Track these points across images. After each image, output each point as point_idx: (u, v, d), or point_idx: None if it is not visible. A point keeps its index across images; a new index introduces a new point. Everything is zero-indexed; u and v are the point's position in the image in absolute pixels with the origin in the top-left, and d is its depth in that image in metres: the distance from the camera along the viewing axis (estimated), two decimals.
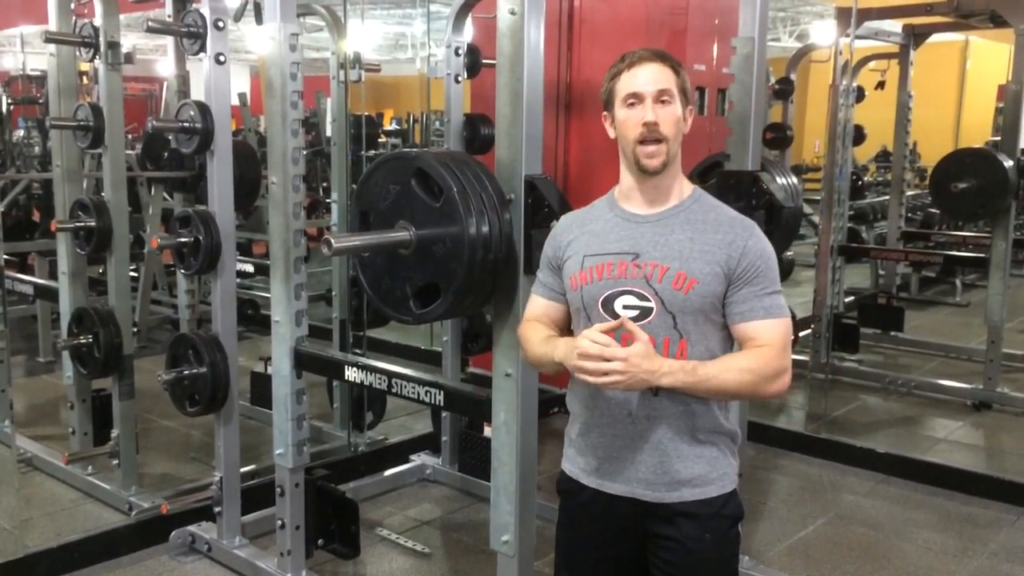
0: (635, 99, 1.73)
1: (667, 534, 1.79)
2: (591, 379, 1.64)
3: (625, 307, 1.74)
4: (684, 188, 1.81)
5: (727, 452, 1.82)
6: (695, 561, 1.79)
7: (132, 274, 5.46)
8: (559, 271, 1.86)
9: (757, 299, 1.72)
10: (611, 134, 1.80)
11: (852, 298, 6.62)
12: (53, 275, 4.26)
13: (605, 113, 1.80)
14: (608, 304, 1.75)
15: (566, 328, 1.90)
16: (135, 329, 5.13)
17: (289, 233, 2.79)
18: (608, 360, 1.61)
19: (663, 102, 1.72)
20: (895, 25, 5.81)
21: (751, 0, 2.90)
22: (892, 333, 6.14)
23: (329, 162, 4.47)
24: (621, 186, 1.83)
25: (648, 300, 1.72)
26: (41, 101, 7.85)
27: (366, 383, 2.72)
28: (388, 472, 4.04)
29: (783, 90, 6.11)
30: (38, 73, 8.11)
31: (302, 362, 2.84)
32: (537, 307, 1.92)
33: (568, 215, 1.93)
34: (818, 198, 5.91)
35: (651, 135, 1.71)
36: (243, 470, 3.31)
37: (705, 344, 1.74)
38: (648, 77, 1.72)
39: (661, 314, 1.72)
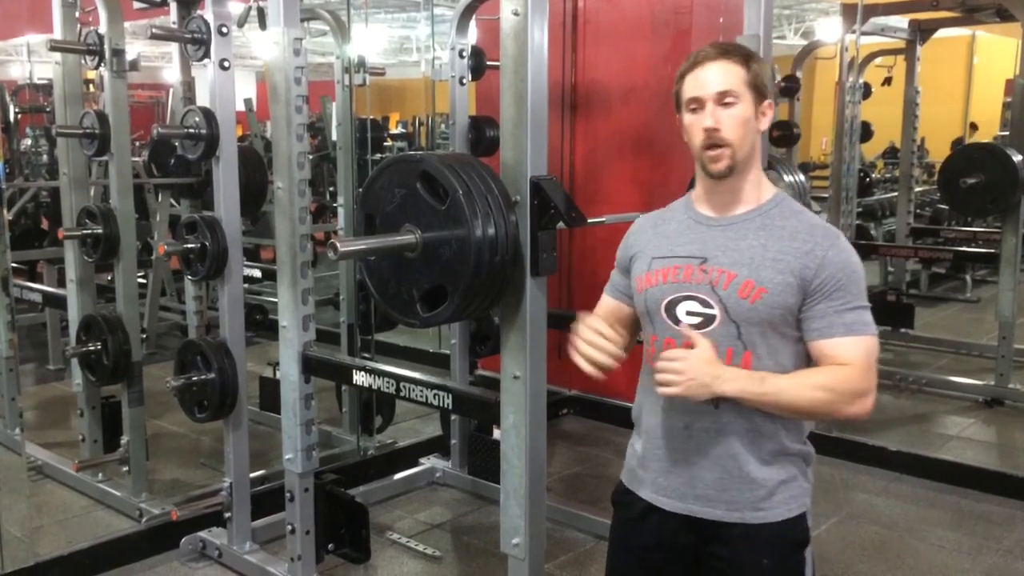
0: (696, 104, 1.64)
1: (722, 555, 1.70)
2: (586, 368, 1.62)
3: (688, 313, 1.66)
4: (764, 191, 1.71)
5: (798, 474, 1.70)
6: None
7: (140, 281, 5.50)
8: (628, 272, 1.80)
9: (837, 315, 1.60)
10: (684, 137, 1.71)
11: None
12: (61, 283, 4.27)
13: (677, 116, 1.71)
14: (671, 309, 1.68)
15: (630, 329, 1.84)
16: (143, 336, 5.16)
17: (295, 238, 2.79)
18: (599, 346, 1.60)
19: (725, 104, 1.62)
20: (901, 21, 5.79)
21: None
22: (902, 330, 6.10)
23: (335, 166, 4.47)
24: (697, 188, 1.75)
25: (712, 307, 1.64)
26: (48, 110, 7.88)
27: (374, 387, 2.72)
28: (398, 476, 4.04)
29: (789, 88, 6.07)
30: (45, 82, 8.14)
31: (310, 367, 2.84)
32: (603, 306, 1.86)
33: (645, 215, 1.85)
34: (826, 195, 5.89)
35: (711, 141, 1.63)
36: (253, 475, 3.31)
37: (775, 359, 1.63)
38: (708, 79, 1.63)
39: (724, 323, 1.63)
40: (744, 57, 1.65)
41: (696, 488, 1.69)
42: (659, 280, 1.70)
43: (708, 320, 1.64)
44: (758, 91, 1.65)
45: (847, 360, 1.60)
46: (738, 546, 1.68)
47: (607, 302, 1.86)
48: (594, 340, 1.61)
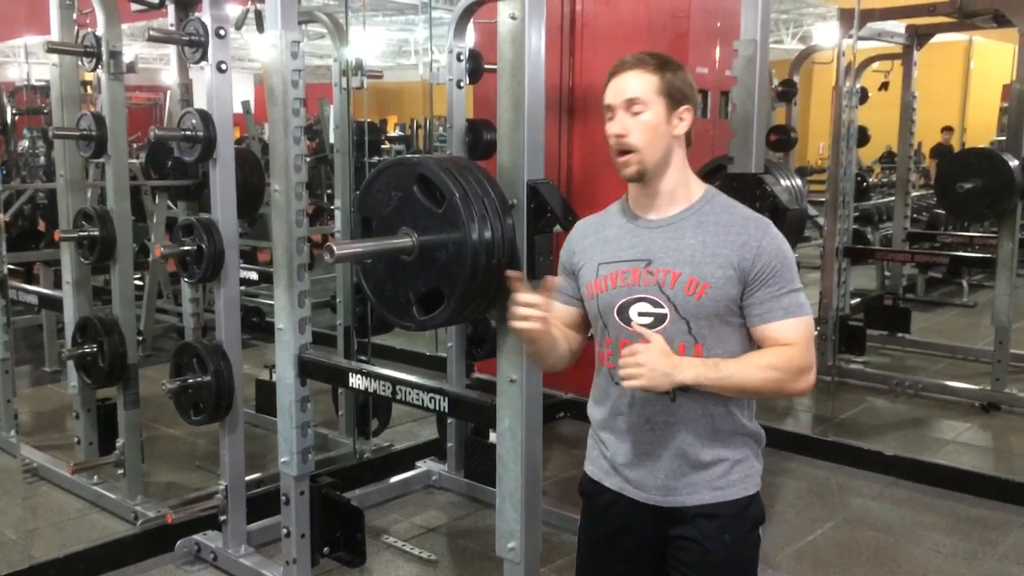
0: (610, 111, 1.74)
1: (686, 535, 1.79)
2: (523, 334, 1.73)
3: (640, 314, 1.74)
4: (694, 190, 1.79)
5: (750, 454, 1.81)
6: (711, 562, 1.77)
7: (136, 283, 5.49)
8: (574, 276, 1.86)
9: (775, 300, 1.70)
10: None
11: (858, 300, 6.60)
12: (58, 285, 4.26)
13: None
14: (623, 312, 1.76)
15: (579, 331, 1.90)
16: (140, 338, 5.15)
17: (292, 240, 2.78)
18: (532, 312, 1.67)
19: (634, 112, 1.71)
20: (898, 26, 5.80)
21: (753, 2, 2.90)
22: (899, 335, 6.11)
23: (332, 169, 4.47)
24: (629, 193, 1.83)
25: (662, 307, 1.72)
26: (45, 111, 7.87)
27: (371, 390, 2.72)
28: (394, 479, 4.03)
29: (786, 92, 6.09)
30: (42, 83, 8.14)
31: (306, 369, 2.83)
32: (554, 310, 1.92)
33: (584, 220, 1.92)
34: (823, 200, 5.89)
35: (619, 147, 1.72)
36: (248, 478, 3.31)
37: (723, 347, 1.73)
38: (619, 87, 1.72)
39: (675, 320, 1.71)
40: (658, 66, 1.72)
41: (658, 479, 1.79)
42: (608, 285, 1.78)
43: (660, 319, 1.73)
44: (672, 97, 1.72)
45: (789, 341, 1.70)
46: (702, 526, 1.78)
47: (556, 307, 1.91)
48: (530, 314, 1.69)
